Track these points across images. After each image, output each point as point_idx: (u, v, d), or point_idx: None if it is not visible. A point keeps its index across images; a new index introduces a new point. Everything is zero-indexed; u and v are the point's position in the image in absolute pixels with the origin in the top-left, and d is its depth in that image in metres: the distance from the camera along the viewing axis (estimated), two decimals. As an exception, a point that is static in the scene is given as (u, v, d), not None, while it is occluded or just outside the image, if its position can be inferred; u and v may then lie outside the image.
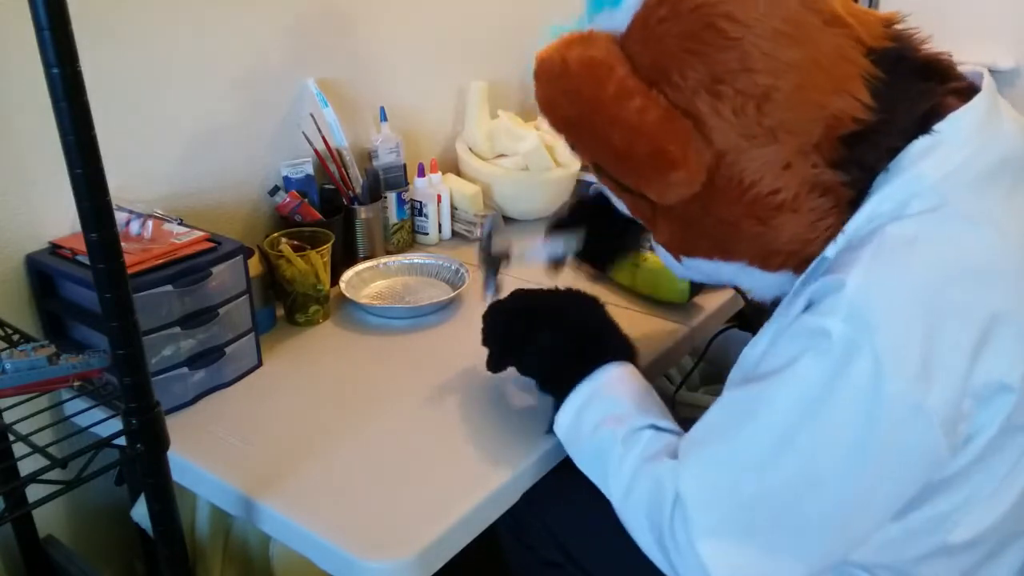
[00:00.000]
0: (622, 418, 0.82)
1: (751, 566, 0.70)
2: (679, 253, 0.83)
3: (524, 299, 0.98)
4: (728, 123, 0.70)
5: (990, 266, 0.67)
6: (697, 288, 1.24)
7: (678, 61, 0.71)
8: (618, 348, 0.91)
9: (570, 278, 1.19)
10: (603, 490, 0.83)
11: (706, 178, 0.72)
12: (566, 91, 0.75)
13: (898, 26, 0.75)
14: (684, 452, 0.76)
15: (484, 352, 1.12)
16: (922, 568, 0.76)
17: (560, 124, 0.80)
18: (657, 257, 1.09)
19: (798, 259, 0.75)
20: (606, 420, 0.83)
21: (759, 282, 0.81)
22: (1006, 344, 0.66)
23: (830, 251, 0.73)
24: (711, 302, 1.28)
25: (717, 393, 0.89)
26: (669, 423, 0.83)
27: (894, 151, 0.71)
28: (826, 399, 0.66)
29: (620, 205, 0.89)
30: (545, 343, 0.91)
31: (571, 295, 0.96)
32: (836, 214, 0.72)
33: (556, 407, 0.90)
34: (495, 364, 1.00)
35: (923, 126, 0.71)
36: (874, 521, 0.71)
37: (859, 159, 0.71)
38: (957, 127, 0.71)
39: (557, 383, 0.90)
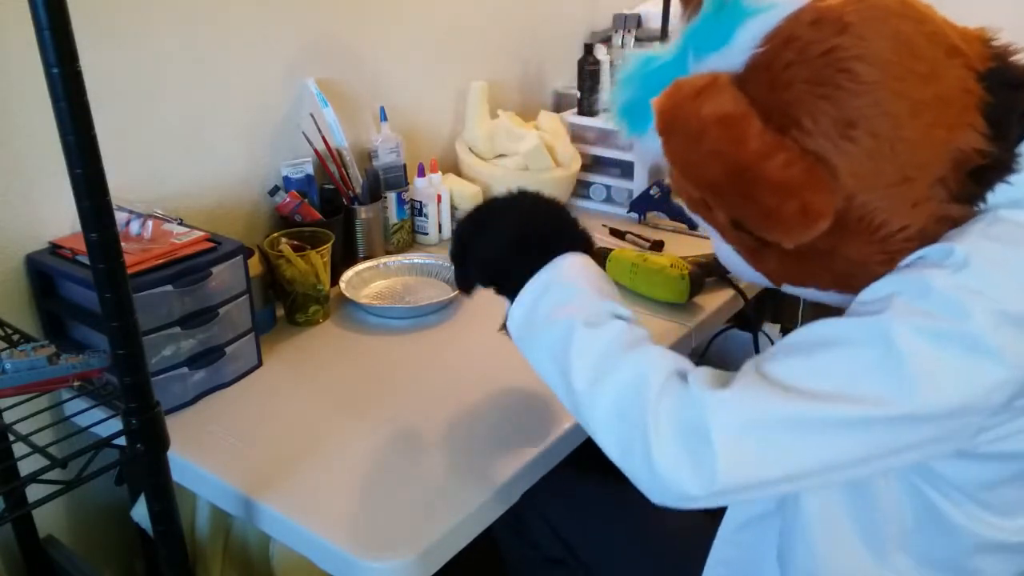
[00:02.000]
0: (583, 305, 0.77)
1: (755, 460, 0.65)
2: (784, 283, 0.81)
3: (483, 204, 0.91)
4: (860, 165, 0.69)
5: None
6: (696, 288, 1.24)
7: (809, 106, 0.69)
8: (574, 238, 0.85)
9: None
10: (561, 384, 0.75)
11: (836, 218, 0.70)
12: (708, 153, 0.71)
13: (996, 43, 0.74)
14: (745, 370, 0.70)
15: (484, 352, 1.12)
16: (977, 561, 0.74)
17: (703, 185, 0.74)
18: (656, 259, 1.09)
19: (869, 278, 0.73)
20: (565, 307, 0.77)
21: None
22: None
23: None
24: (711, 303, 1.28)
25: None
26: (629, 313, 0.78)
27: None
28: (914, 348, 0.63)
29: (716, 238, 0.84)
30: (499, 238, 0.84)
31: (527, 193, 0.89)
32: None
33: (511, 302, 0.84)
34: (460, 278, 0.91)
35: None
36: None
37: (985, 191, 0.70)
38: None
39: (511, 276, 0.83)
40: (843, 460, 0.66)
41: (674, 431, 0.66)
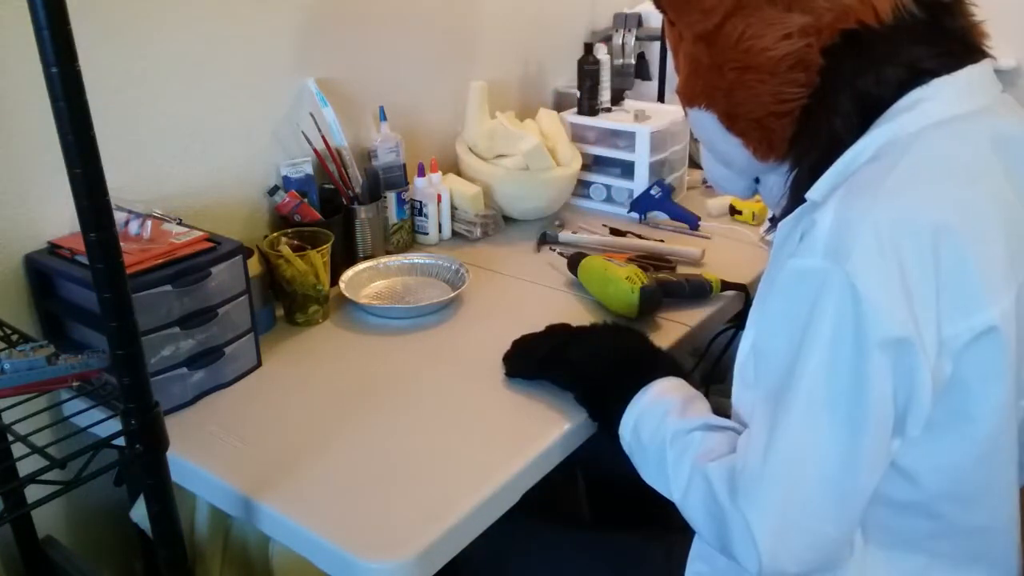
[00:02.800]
0: (669, 426, 0.85)
1: (792, 526, 0.72)
2: (684, 101, 0.90)
3: (570, 327, 1.07)
4: None
5: (955, 208, 0.70)
6: (648, 305, 1.21)
7: None
8: (670, 365, 0.95)
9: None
10: (667, 495, 0.84)
11: (720, 21, 0.80)
12: None
13: None
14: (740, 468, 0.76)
15: (483, 351, 1.12)
16: (899, 521, 0.77)
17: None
18: (617, 270, 1.22)
19: (759, 133, 0.83)
20: (658, 430, 0.85)
21: (732, 158, 0.88)
22: (973, 279, 0.69)
23: (814, 194, 0.77)
24: (711, 303, 1.28)
25: (718, 392, 0.88)
26: (718, 420, 0.84)
27: (878, 88, 0.76)
28: (814, 332, 0.69)
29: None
30: (605, 356, 0.98)
31: (618, 325, 1.07)
32: (800, 98, 0.79)
33: (596, 416, 0.96)
34: (520, 368, 1.06)
35: (915, 81, 0.76)
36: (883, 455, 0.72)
37: (847, 57, 0.77)
38: (947, 90, 0.76)
39: (606, 396, 0.94)
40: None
41: (740, 535, 0.74)
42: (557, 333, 1.07)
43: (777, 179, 0.88)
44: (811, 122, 0.80)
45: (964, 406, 0.72)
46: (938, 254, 0.68)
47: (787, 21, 0.77)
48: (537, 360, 1.04)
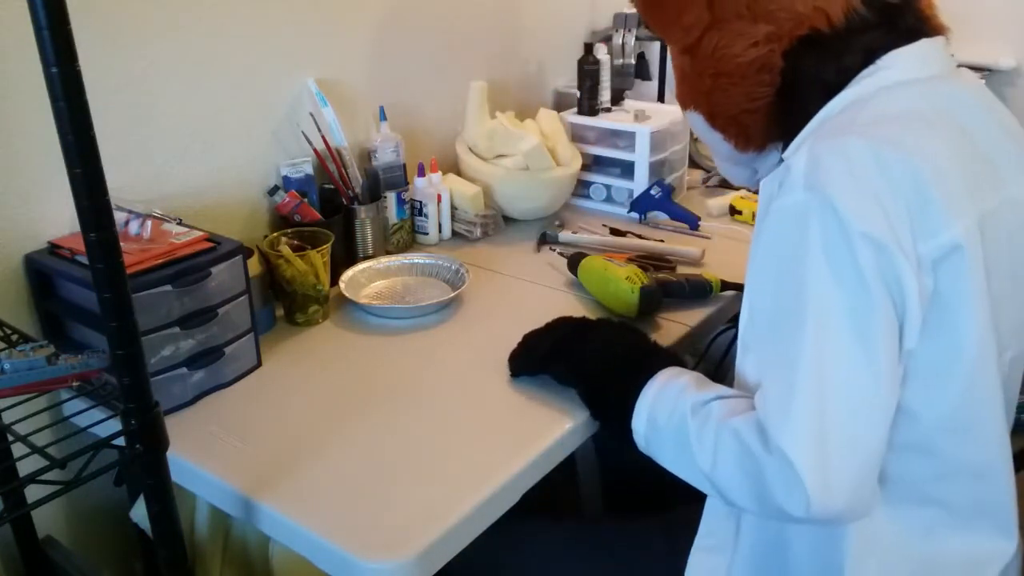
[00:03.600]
0: (687, 399, 0.86)
1: (833, 451, 0.72)
2: (681, 105, 1.00)
3: (574, 319, 1.09)
4: (728, 2, 0.88)
5: (916, 146, 0.77)
6: (648, 305, 1.21)
7: None
8: (671, 359, 0.97)
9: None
10: (692, 470, 0.83)
11: (699, 35, 0.90)
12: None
13: None
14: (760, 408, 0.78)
15: (483, 351, 1.12)
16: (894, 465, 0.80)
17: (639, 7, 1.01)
18: (617, 270, 1.24)
19: (736, 128, 0.92)
20: (676, 409, 0.86)
21: (720, 151, 0.98)
22: (937, 208, 0.75)
23: (788, 152, 0.88)
24: (711, 303, 1.28)
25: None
26: (732, 391, 0.86)
27: (834, 74, 0.85)
28: (809, 260, 0.74)
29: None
30: (606, 352, 0.99)
31: (621, 323, 1.09)
32: (768, 95, 0.88)
33: (598, 415, 0.98)
34: (524, 365, 1.07)
35: (871, 60, 0.84)
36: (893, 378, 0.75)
37: (807, 57, 0.85)
38: (905, 57, 0.84)
39: (607, 393, 0.95)
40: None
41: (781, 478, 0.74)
42: (559, 327, 1.08)
43: (769, 167, 0.95)
44: (781, 113, 0.89)
45: (949, 322, 0.76)
46: (903, 180, 0.74)
47: (754, 31, 0.86)
48: (539, 357, 1.05)
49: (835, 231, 0.72)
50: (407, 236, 1.51)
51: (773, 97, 0.88)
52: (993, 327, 0.79)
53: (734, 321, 1.31)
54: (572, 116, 1.73)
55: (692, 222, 1.58)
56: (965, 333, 0.77)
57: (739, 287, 1.29)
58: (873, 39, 0.84)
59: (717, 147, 0.98)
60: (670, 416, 0.86)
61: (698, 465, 0.81)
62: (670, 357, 0.97)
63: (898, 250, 0.72)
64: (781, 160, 0.90)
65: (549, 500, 1.04)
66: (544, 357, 1.04)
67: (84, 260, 0.86)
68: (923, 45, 0.85)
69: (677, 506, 1.00)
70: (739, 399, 0.83)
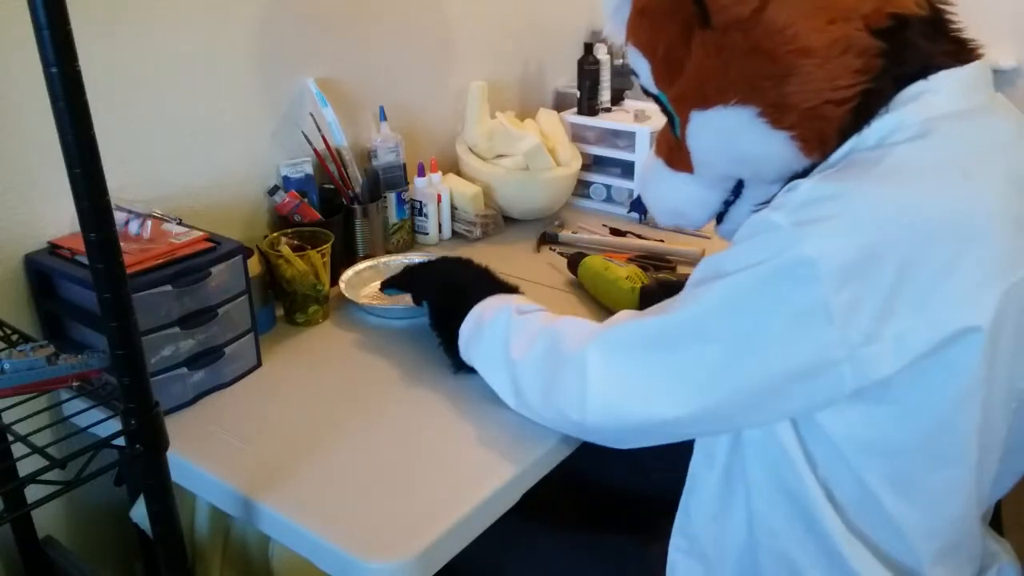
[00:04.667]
0: (511, 306, 0.98)
1: (629, 387, 0.79)
2: (698, 101, 0.81)
3: (430, 262, 1.23)
4: None
5: (942, 206, 0.69)
6: (648, 304, 1.20)
7: None
8: (500, 286, 1.09)
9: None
10: (498, 365, 0.96)
11: (758, 4, 0.74)
12: None
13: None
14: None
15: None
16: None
17: None
18: (617, 269, 1.24)
19: (808, 128, 0.76)
20: (500, 311, 0.98)
21: (760, 160, 0.81)
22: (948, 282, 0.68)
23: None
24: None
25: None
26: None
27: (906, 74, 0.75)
28: (745, 273, 0.71)
29: (641, 65, 0.89)
30: (452, 274, 1.14)
31: (469, 260, 1.18)
32: (858, 80, 0.74)
33: (436, 324, 1.10)
34: (392, 282, 1.21)
35: (923, 74, 0.75)
36: (757, 394, 0.73)
37: (902, 39, 0.74)
38: (951, 82, 0.75)
39: (453, 315, 1.05)
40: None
41: (568, 370, 0.84)
42: (435, 261, 1.22)
43: (753, 198, 0.87)
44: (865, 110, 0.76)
45: (905, 400, 0.71)
46: (915, 251, 0.67)
47: (828, 4, 0.73)
48: (399, 277, 1.20)
49: (793, 280, 0.68)
50: (407, 236, 1.51)
51: (869, 85, 0.74)
52: (1007, 388, 0.75)
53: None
54: (572, 116, 1.73)
55: (692, 222, 1.58)
56: (929, 404, 0.72)
57: None
58: (931, 50, 0.75)
59: (755, 156, 0.81)
60: (495, 317, 0.97)
61: (508, 354, 0.93)
62: (503, 285, 1.09)
63: (840, 338, 0.67)
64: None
65: (548, 503, 1.04)
66: (402, 276, 1.19)
67: (84, 260, 0.86)
68: (973, 69, 0.76)
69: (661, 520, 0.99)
70: (561, 318, 0.91)
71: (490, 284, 1.09)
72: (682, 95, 0.84)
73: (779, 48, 0.74)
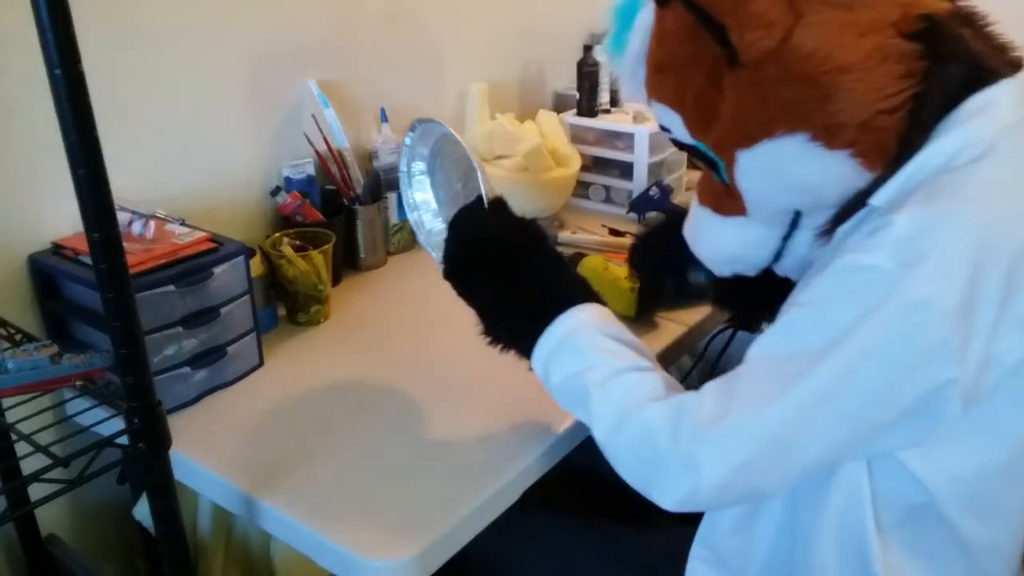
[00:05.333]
0: (594, 367, 0.82)
1: (750, 472, 0.73)
2: (743, 140, 0.77)
3: (473, 241, 0.95)
4: None
5: None
6: (645, 304, 1.21)
7: None
8: (575, 287, 0.89)
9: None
10: (585, 423, 0.83)
11: (782, 34, 0.72)
12: None
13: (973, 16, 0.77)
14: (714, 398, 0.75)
15: (483, 351, 1.12)
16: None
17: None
18: (616, 270, 1.18)
19: (866, 142, 0.72)
20: (579, 373, 0.82)
21: (821, 186, 0.77)
22: None
23: (879, 199, 0.73)
24: (709, 303, 1.28)
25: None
26: (644, 361, 0.83)
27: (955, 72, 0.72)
28: (859, 331, 0.67)
29: (671, 119, 0.84)
30: (501, 284, 0.89)
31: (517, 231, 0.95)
32: (905, 85, 0.71)
33: (493, 343, 0.92)
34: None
35: (977, 84, 0.72)
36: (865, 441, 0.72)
37: (938, 37, 0.71)
38: (1010, 91, 0.73)
39: (514, 329, 0.89)
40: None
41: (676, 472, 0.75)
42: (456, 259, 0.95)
43: (812, 226, 0.82)
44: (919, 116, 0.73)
45: (994, 421, 0.71)
46: (1014, 270, 0.66)
47: (854, 19, 0.71)
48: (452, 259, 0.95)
49: (910, 324, 0.65)
50: (408, 236, 1.52)
51: (918, 88, 0.71)
52: None
53: (731, 321, 1.31)
54: (571, 117, 1.73)
55: (692, 222, 1.58)
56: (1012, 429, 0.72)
57: None
58: (978, 50, 0.73)
59: (816, 182, 0.76)
60: (566, 380, 0.83)
61: (592, 426, 0.81)
62: (583, 289, 0.89)
63: (958, 370, 0.66)
64: (864, 204, 0.75)
65: (551, 496, 1.04)
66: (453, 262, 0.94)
67: (88, 260, 0.87)
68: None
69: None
70: (653, 375, 0.80)
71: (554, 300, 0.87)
72: (723, 139, 0.79)
73: (816, 70, 0.71)
